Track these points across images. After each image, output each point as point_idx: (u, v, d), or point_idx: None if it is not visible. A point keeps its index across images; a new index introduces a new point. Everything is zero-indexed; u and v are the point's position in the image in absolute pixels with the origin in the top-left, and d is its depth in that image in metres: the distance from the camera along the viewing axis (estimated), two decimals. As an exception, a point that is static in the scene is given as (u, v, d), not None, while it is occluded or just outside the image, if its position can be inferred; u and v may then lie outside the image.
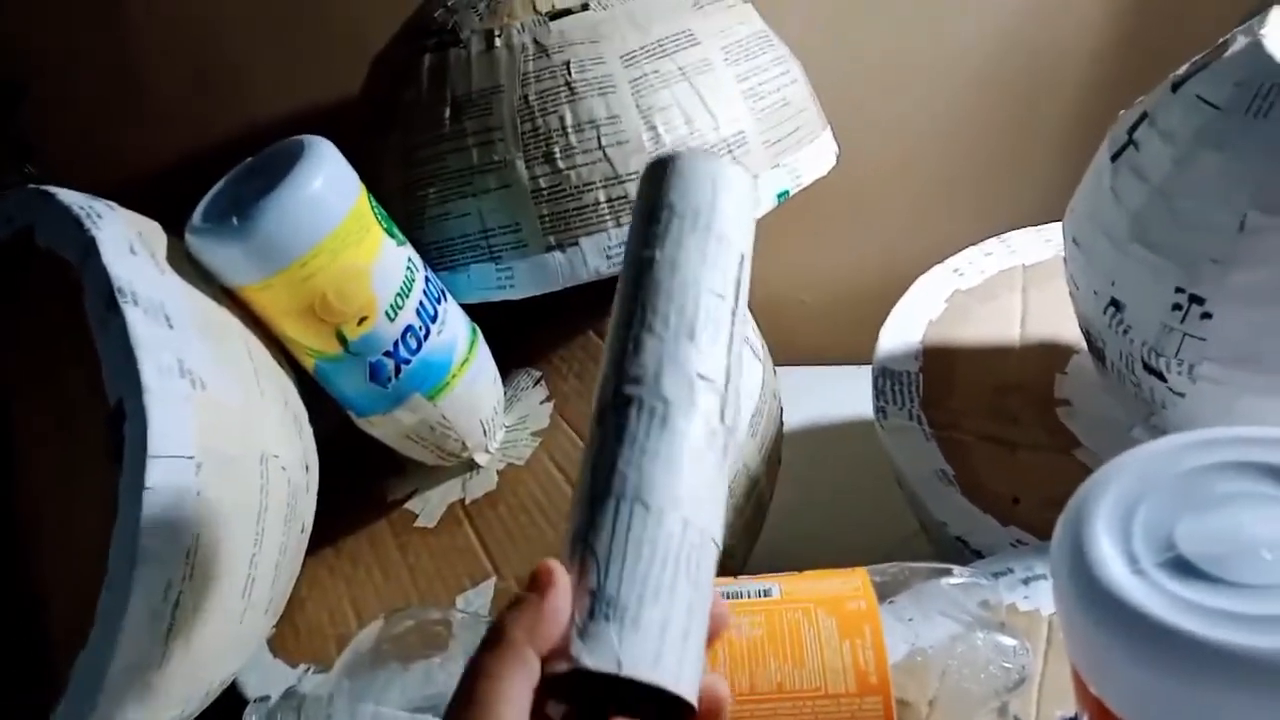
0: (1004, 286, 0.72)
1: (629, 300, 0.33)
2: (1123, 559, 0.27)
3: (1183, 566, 0.26)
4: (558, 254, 0.57)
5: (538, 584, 0.28)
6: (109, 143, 0.79)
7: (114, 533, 0.42)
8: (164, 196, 0.53)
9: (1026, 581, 0.48)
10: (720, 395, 0.31)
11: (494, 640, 0.27)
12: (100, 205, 0.48)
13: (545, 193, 0.57)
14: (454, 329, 0.56)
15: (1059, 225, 0.57)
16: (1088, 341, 0.57)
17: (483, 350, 0.58)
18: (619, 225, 0.57)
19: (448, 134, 0.59)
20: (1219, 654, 0.24)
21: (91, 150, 0.78)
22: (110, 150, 0.78)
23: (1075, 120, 0.79)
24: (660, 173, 0.35)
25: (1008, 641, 0.40)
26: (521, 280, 0.58)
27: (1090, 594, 0.26)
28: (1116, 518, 0.28)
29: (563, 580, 0.28)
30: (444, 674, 0.41)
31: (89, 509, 0.44)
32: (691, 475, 0.30)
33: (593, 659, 0.26)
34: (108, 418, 0.43)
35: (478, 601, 0.50)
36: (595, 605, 0.27)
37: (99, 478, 0.43)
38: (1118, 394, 0.56)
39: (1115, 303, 0.52)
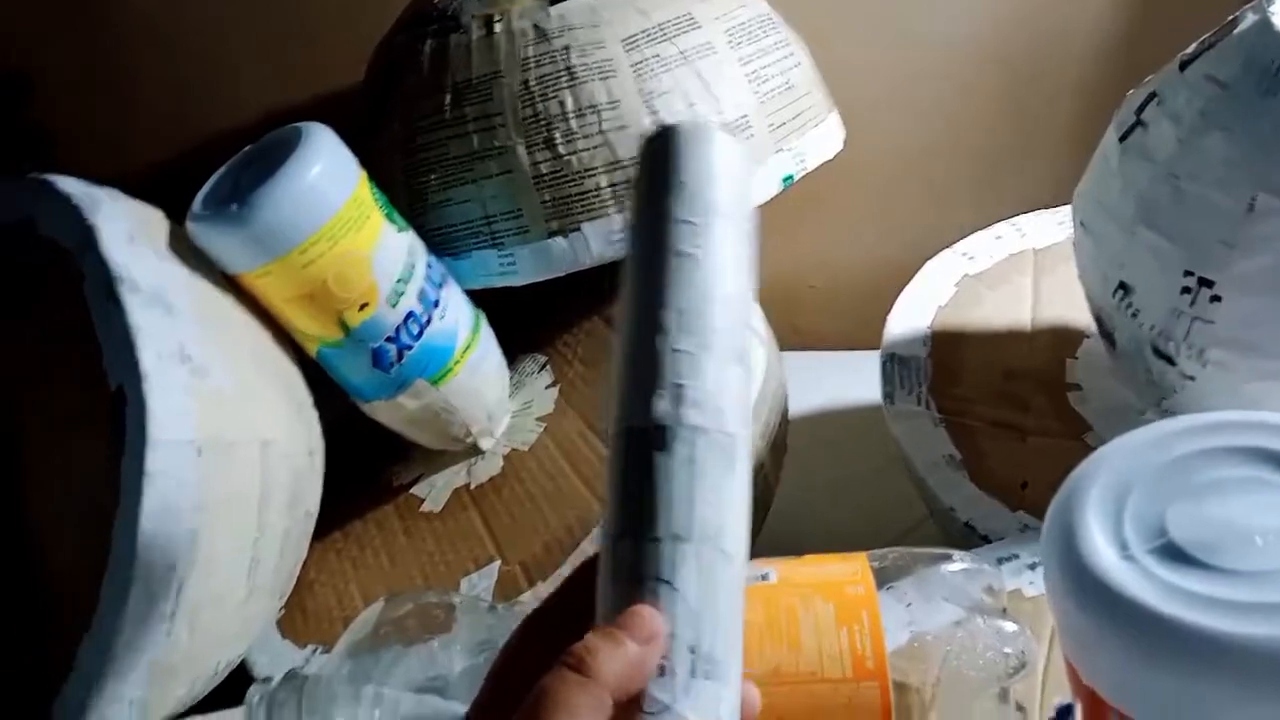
0: (1014, 271, 0.71)
1: (673, 299, 0.30)
2: (1113, 546, 0.26)
3: (1174, 553, 0.26)
4: (560, 239, 0.57)
5: (637, 633, 0.26)
6: (111, 134, 0.79)
7: (116, 518, 0.42)
8: (168, 187, 0.53)
9: (1033, 567, 0.48)
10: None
11: (578, 671, 0.26)
12: (100, 193, 0.48)
13: (547, 178, 0.57)
14: (456, 314, 0.56)
15: (1070, 208, 0.57)
16: (1098, 325, 0.57)
17: (486, 335, 0.58)
18: (621, 210, 0.57)
19: (449, 120, 0.59)
20: (1210, 642, 0.24)
21: (94, 142, 0.78)
22: (113, 141, 0.78)
23: (1086, 102, 0.78)
24: (691, 148, 0.32)
25: (1009, 627, 0.40)
26: (524, 266, 0.58)
27: (1080, 582, 0.26)
28: (1107, 504, 0.28)
29: (661, 636, 0.27)
30: (445, 656, 0.41)
31: (93, 496, 0.44)
32: (746, 514, 0.29)
33: (699, 718, 0.26)
34: (108, 404, 0.43)
35: (481, 584, 0.50)
36: (695, 663, 0.27)
37: (103, 465, 0.43)
38: (1129, 378, 0.56)
39: (1124, 286, 0.51)
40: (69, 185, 0.48)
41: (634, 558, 0.28)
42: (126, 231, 0.46)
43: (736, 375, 0.30)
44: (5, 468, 0.50)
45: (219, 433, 0.44)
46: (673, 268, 0.30)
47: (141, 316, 0.43)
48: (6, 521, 0.49)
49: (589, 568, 0.30)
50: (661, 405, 0.29)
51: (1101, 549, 0.26)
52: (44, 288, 0.48)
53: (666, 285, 0.30)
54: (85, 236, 0.45)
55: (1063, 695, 0.39)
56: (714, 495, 0.28)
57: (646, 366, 0.30)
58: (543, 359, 0.63)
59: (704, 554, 0.28)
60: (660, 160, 0.32)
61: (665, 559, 0.28)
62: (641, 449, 0.29)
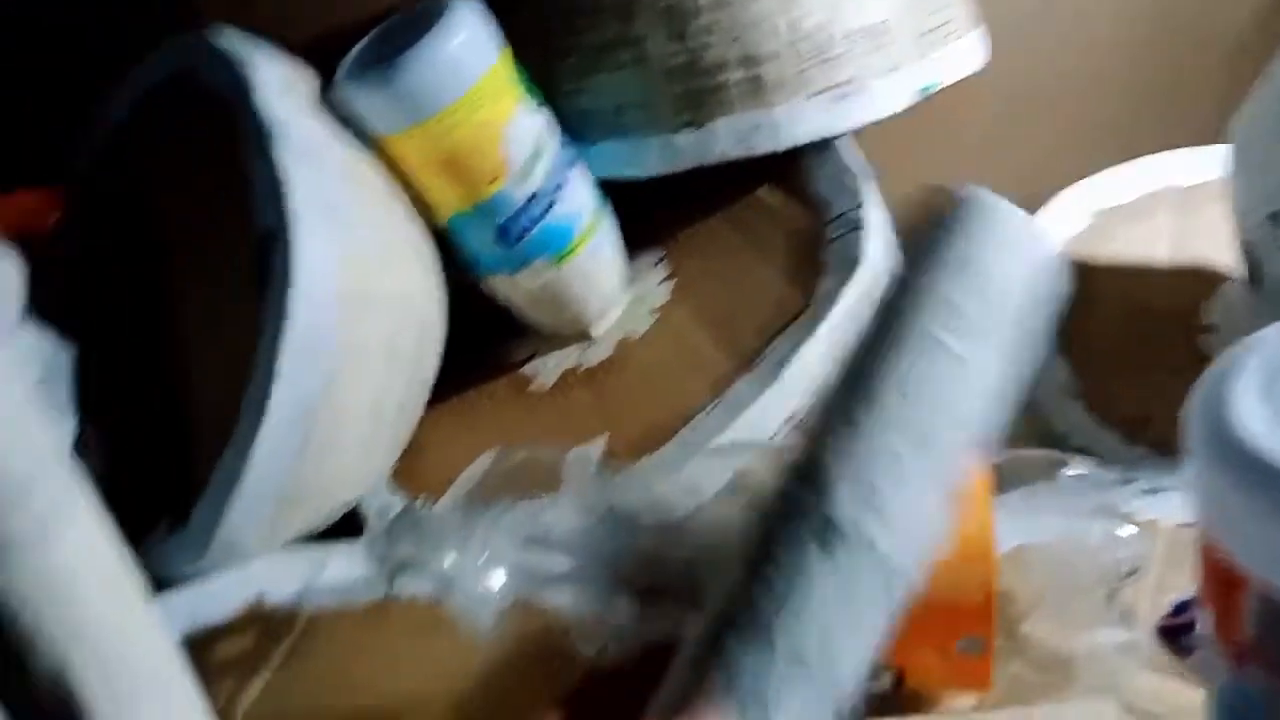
0: (1154, 207, 0.68)
1: (906, 384, 0.25)
2: (1265, 419, 0.26)
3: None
4: (688, 134, 0.57)
5: None
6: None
7: (256, 356, 0.45)
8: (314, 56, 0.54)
9: (1153, 492, 0.46)
10: None
11: None
12: (258, 48, 0.50)
13: (679, 71, 0.57)
14: (581, 198, 0.57)
15: (1217, 148, 0.54)
16: (1244, 260, 0.54)
17: (608, 223, 0.59)
18: (749, 109, 0.56)
19: (585, 8, 0.59)
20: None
21: (247, 13, 0.81)
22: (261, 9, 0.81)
23: (1240, 47, 0.73)
24: (993, 228, 0.27)
25: (1122, 532, 0.39)
26: (650, 158, 0.58)
27: (1230, 450, 0.25)
28: (1261, 382, 0.27)
29: None
30: (550, 513, 0.42)
31: (236, 338, 0.46)
32: (870, 666, 0.25)
33: None
34: (257, 246, 0.45)
35: (589, 455, 0.51)
36: None
37: (247, 307, 0.46)
38: (1272, 318, 0.53)
39: (1278, 216, 0.48)
40: (229, 40, 0.50)
41: (736, 659, 0.23)
42: (281, 84, 0.48)
43: (936, 510, 0.26)
44: (158, 311, 0.53)
45: (358, 285, 0.46)
46: (922, 350, 0.26)
47: (293, 166, 0.45)
48: (158, 359, 0.52)
49: (672, 646, 0.25)
50: (841, 496, 0.24)
51: (1254, 420, 0.26)
52: (200, 138, 0.51)
53: (906, 366, 0.26)
54: (242, 86, 0.47)
55: (1176, 595, 0.39)
56: (854, 626, 0.24)
57: (842, 443, 0.25)
58: (660, 252, 0.63)
59: (819, 691, 0.23)
60: (951, 227, 0.28)
61: (774, 678, 0.23)
62: (794, 533, 0.24)
